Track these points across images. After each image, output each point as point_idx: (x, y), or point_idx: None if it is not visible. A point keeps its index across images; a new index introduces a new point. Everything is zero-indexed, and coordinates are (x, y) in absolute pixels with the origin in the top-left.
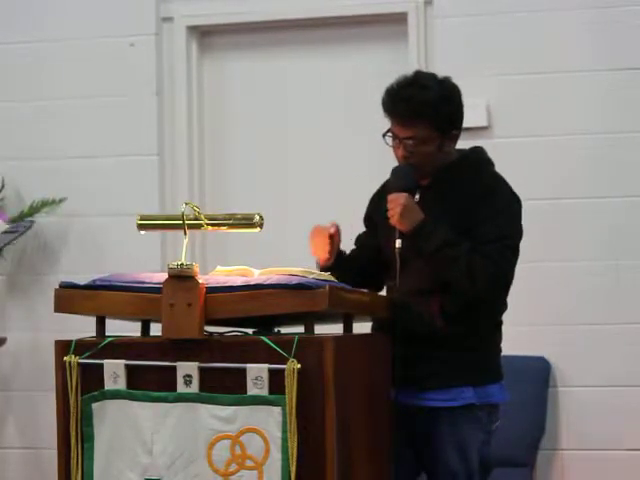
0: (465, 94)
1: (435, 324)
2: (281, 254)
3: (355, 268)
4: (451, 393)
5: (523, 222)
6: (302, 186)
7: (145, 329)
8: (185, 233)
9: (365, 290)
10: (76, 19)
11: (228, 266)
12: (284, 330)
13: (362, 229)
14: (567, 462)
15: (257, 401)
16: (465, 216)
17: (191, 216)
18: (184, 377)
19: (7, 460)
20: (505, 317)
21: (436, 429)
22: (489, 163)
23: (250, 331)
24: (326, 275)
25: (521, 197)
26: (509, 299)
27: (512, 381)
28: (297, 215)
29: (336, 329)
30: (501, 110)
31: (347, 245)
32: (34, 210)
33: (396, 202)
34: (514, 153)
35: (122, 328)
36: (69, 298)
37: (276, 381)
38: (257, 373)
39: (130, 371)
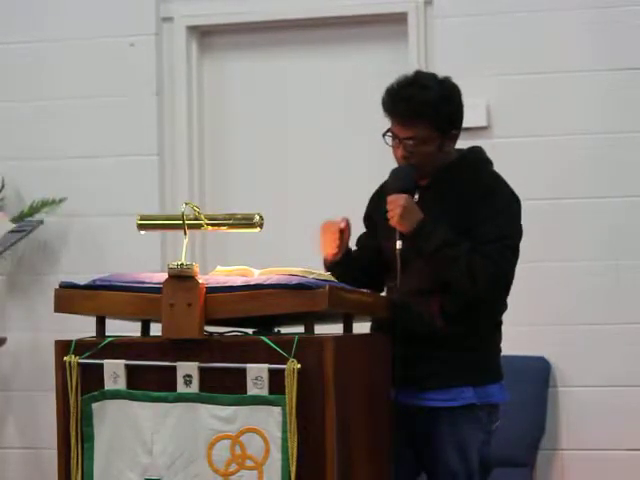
0: (465, 94)
1: (435, 324)
2: (281, 254)
3: (357, 268)
4: (451, 393)
5: (523, 222)
6: (302, 186)
7: (145, 329)
8: (185, 233)
9: (365, 290)
10: (76, 19)
11: (228, 266)
12: (284, 330)
13: (362, 229)
14: (567, 462)
15: (257, 401)
16: (465, 216)
17: (191, 216)
18: (184, 377)
19: (7, 460)
20: (505, 317)
21: (436, 429)
22: (488, 163)
23: (250, 331)
24: (326, 275)
25: (521, 197)
26: (509, 299)
27: (512, 381)
28: (297, 215)
29: (336, 329)
30: (501, 110)
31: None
32: (34, 210)
33: (396, 203)
34: (514, 153)
35: (122, 328)
36: (69, 298)
37: (276, 381)
38: (257, 373)
39: (130, 371)
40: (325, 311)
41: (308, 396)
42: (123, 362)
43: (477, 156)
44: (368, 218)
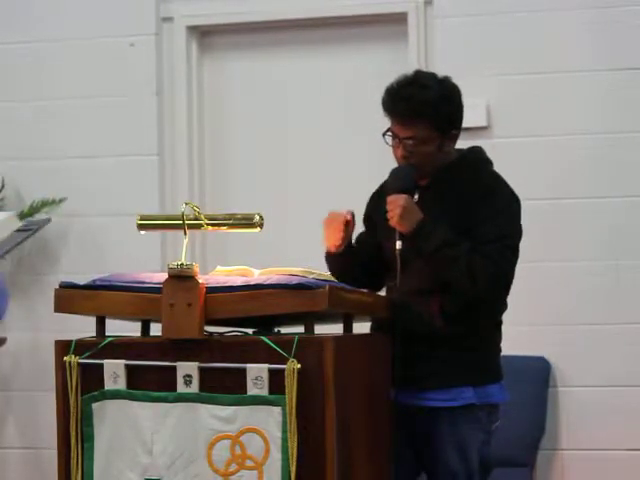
0: (465, 94)
1: (435, 324)
2: (281, 254)
3: (357, 264)
4: (451, 393)
5: (523, 222)
6: (302, 186)
7: (145, 329)
8: (185, 233)
9: (365, 290)
10: (76, 19)
11: (228, 266)
12: (284, 330)
13: (362, 229)
14: (567, 462)
15: (257, 401)
16: (465, 216)
17: (191, 216)
18: (184, 377)
19: (7, 460)
20: (505, 317)
21: (436, 429)
22: (488, 163)
23: (250, 331)
24: (326, 275)
25: (521, 197)
26: (509, 299)
27: (512, 381)
28: (297, 215)
29: (336, 329)
30: (501, 110)
31: None
32: (34, 210)
33: (395, 203)
34: (514, 153)
35: (122, 328)
36: (69, 298)
37: (276, 381)
38: (257, 373)
39: (130, 371)
40: (325, 311)
41: (308, 396)
42: (123, 362)
43: (477, 156)
44: (368, 218)
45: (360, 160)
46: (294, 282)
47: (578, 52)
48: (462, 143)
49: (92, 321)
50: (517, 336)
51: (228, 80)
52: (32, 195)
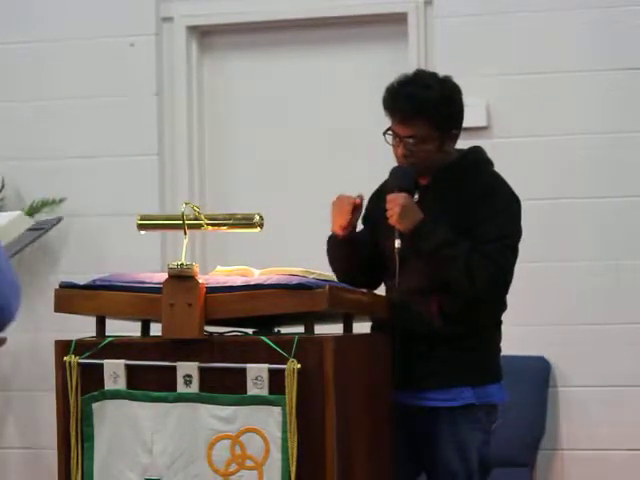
0: (465, 94)
1: (434, 324)
2: (281, 254)
3: (357, 256)
4: (451, 393)
5: (523, 222)
6: (302, 186)
7: (145, 329)
8: (185, 233)
9: (364, 290)
10: (76, 19)
11: (228, 266)
12: (284, 330)
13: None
14: (567, 462)
15: (257, 401)
16: (465, 216)
17: (191, 216)
18: (184, 377)
19: (7, 460)
20: (505, 317)
21: (436, 429)
22: (488, 163)
23: (250, 331)
24: (326, 275)
25: (521, 197)
26: (509, 299)
27: (512, 381)
28: (297, 215)
29: (336, 329)
30: (501, 110)
31: None
32: (34, 210)
33: (395, 202)
34: (514, 153)
35: (122, 328)
36: (69, 298)
37: (276, 381)
38: (257, 373)
39: (130, 371)
40: (325, 311)
41: (308, 396)
42: (123, 362)
43: (477, 156)
44: (367, 217)
45: (360, 160)
46: (294, 282)
47: (578, 52)
48: (462, 143)
49: (92, 321)
50: (517, 336)
51: (228, 80)
52: (32, 195)
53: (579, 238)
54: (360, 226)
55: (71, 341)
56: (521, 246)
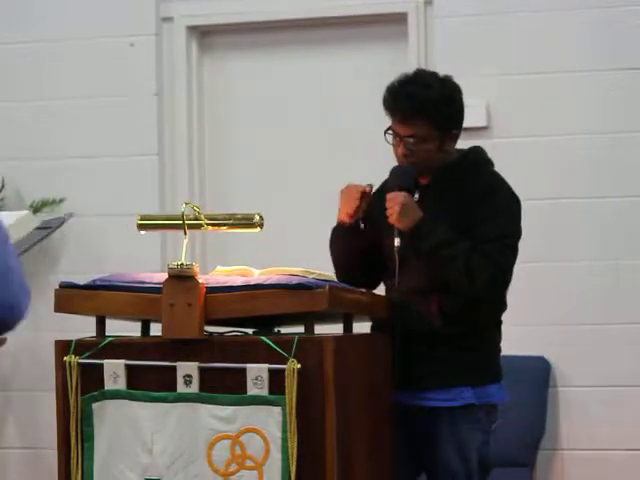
0: (465, 94)
1: (434, 324)
2: (281, 254)
3: (359, 250)
4: (451, 393)
5: (523, 222)
6: (302, 186)
7: (145, 329)
8: (185, 233)
9: (364, 290)
10: (76, 19)
11: (228, 266)
12: (284, 330)
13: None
14: (567, 462)
15: (257, 401)
16: (465, 215)
17: (191, 216)
18: (184, 377)
19: (7, 460)
20: (505, 317)
21: (436, 429)
22: (489, 163)
23: (250, 331)
24: (326, 275)
25: (521, 197)
26: (509, 299)
27: (512, 381)
28: (297, 215)
29: (336, 329)
30: (501, 110)
31: None
32: (34, 210)
33: (395, 201)
34: (514, 153)
35: (122, 328)
36: (69, 298)
37: (276, 381)
38: (257, 373)
39: (130, 371)
40: (325, 311)
41: (308, 396)
42: (123, 362)
43: (478, 156)
44: (368, 217)
45: (360, 160)
46: (294, 282)
47: (578, 52)
48: (462, 143)
49: (92, 321)
50: (517, 336)
51: (228, 80)
52: (32, 195)
53: (579, 238)
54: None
55: (71, 341)
56: (521, 246)
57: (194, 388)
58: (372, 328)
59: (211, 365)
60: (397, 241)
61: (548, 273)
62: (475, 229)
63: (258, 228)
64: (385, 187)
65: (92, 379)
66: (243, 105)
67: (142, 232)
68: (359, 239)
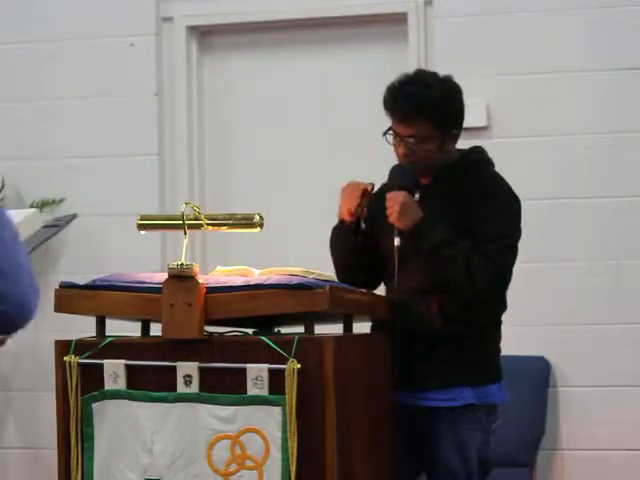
0: (465, 94)
1: (434, 324)
2: (281, 254)
3: (359, 249)
4: (451, 393)
5: (523, 222)
6: (302, 186)
7: (145, 329)
8: (185, 233)
9: (364, 290)
10: (76, 19)
11: (228, 266)
12: (284, 330)
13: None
14: (567, 462)
15: (257, 401)
16: (465, 215)
17: (191, 216)
18: (184, 377)
19: (7, 460)
20: (505, 317)
21: (436, 429)
22: (489, 163)
23: (250, 331)
24: (326, 275)
25: (521, 197)
26: (509, 299)
27: (512, 381)
28: (297, 215)
29: (336, 329)
30: (501, 110)
31: None
32: None
33: (395, 200)
34: (514, 153)
35: (122, 328)
36: (69, 298)
37: (276, 381)
38: (257, 373)
39: (130, 371)
40: (325, 311)
41: (308, 396)
42: (123, 362)
43: (478, 156)
44: (369, 218)
45: (360, 160)
46: (294, 282)
47: (578, 52)
48: (462, 143)
49: (92, 321)
50: (517, 336)
51: (228, 80)
52: (32, 195)
53: (579, 238)
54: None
55: (71, 341)
56: (521, 246)
57: (194, 388)
58: (372, 328)
59: (211, 365)
60: (397, 240)
61: (548, 273)
62: (475, 229)
63: (258, 228)
64: (385, 188)
65: (92, 379)
66: (243, 105)
67: (142, 232)
68: (358, 238)
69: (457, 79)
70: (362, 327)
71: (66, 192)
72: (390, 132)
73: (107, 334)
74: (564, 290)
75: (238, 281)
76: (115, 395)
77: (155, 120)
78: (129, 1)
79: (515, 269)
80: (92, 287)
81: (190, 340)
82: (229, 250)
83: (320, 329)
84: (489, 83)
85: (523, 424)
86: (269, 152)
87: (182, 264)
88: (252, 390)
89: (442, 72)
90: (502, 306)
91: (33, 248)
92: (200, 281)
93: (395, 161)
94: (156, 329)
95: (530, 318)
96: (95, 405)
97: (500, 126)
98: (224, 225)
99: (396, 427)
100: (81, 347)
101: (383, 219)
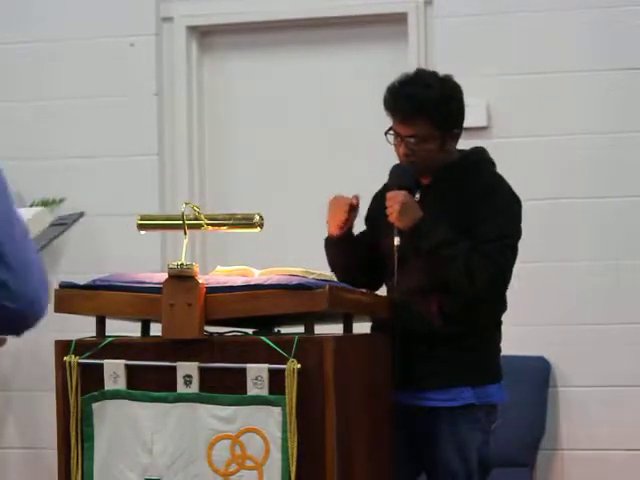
0: (465, 94)
1: (434, 324)
2: (281, 254)
3: (356, 256)
4: (451, 393)
5: (523, 222)
6: (302, 186)
7: (145, 329)
8: (185, 233)
9: (364, 290)
10: (76, 19)
11: (228, 266)
12: (284, 330)
13: (363, 228)
14: (567, 462)
15: (257, 401)
16: (465, 215)
17: (191, 216)
18: (184, 377)
19: (7, 460)
20: (505, 317)
21: (436, 429)
22: (490, 163)
23: (250, 331)
24: (326, 275)
25: (521, 197)
26: (509, 299)
27: (512, 381)
28: (297, 215)
29: (336, 329)
30: (501, 110)
31: None
32: None
33: (395, 199)
34: (514, 153)
35: (122, 328)
36: (69, 298)
37: (276, 381)
38: (257, 373)
39: (130, 371)
40: (325, 311)
41: (308, 396)
42: (123, 362)
43: (479, 156)
44: (369, 218)
45: (360, 160)
46: (294, 282)
47: (578, 52)
48: (462, 143)
49: (92, 321)
50: (517, 336)
51: (228, 80)
52: (32, 195)
53: (579, 238)
54: (362, 227)
55: (71, 341)
56: (521, 246)
57: (194, 388)
58: (372, 328)
59: (211, 365)
60: (397, 240)
61: (548, 273)
62: (475, 229)
63: (258, 228)
64: (386, 188)
65: (92, 379)
66: (243, 105)
67: (142, 232)
68: (352, 247)
69: (457, 79)
70: (362, 327)
71: (66, 192)
72: (390, 132)
73: (107, 334)
74: (564, 290)
75: (238, 281)
76: (115, 395)
77: (155, 120)
78: (129, 1)
79: (515, 269)
80: (92, 287)
81: (190, 340)
82: (229, 250)
83: (320, 329)
84: (489, 83)
85: (523, 424)
86: (269, 152)
87: (182, 264)
88: (252, 390)
89: (442, 72)
90: (502, 306)
91: (43, 246)
92: (200, 281)
93: (395, 161)
94: (156, 329)
95: (530, 318)
96: (95, 405)
97: (500, 126)
98: (224, 225)
99: (396, 427)
100: (81, 347)
101: (383, 219)
